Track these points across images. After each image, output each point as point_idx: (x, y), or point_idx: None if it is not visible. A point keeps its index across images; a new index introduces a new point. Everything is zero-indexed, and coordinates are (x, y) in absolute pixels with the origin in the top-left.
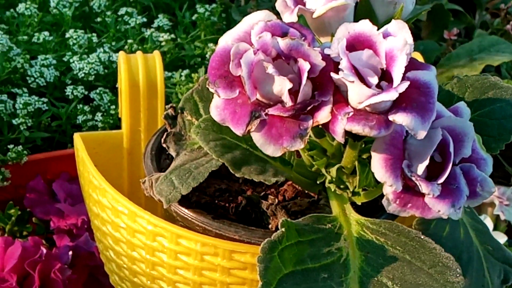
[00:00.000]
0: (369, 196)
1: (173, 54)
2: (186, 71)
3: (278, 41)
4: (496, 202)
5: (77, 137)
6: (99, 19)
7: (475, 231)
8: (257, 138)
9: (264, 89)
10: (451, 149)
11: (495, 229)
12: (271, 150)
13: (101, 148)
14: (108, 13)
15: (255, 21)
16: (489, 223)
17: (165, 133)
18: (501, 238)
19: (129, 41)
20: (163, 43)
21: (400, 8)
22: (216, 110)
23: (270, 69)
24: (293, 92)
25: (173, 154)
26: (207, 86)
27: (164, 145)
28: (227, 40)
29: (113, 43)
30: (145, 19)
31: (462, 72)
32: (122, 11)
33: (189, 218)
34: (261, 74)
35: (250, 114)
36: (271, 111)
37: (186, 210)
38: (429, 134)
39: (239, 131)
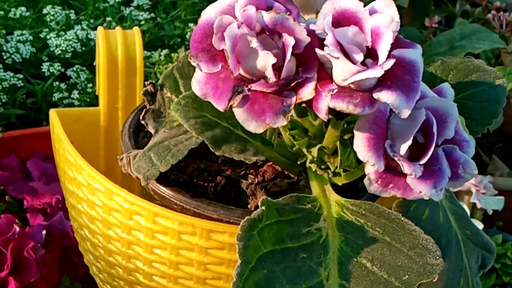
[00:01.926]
0: (350, 177)
1: (153, 34)
2: (165, 51)
3: (262, 15)
4: (473, 190)
5: (53, 113)
6: None
7: (454, 215)
8: (239, 113)
9: (247, 64)
10: (435, 130)
11: (471, 217)
12: (253, 126)
13: (78, 125)
14: None
15: None
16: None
17: (144, 110)
18: (477, 225)
19: (108, 19)
20: (142, 22)
21: None
22: (198, 84)
23: (254, 43)
24: (277, 68)
25: (152, 131)
26: (188, 59)
27: (142, 122)
28: (210, 12)
29: (91, 21)
30: None
31: None
32: None
33: (167, 197)
34: (244, 48)
35: (233, 89)
36: (254, 86)
37: (164, 188)
38: (413, 114)
39: (221, 106)
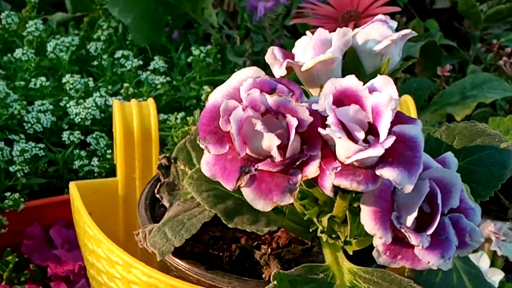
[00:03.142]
0: (361, 245)
1: (169, 96)
2: (181, 114)
3: (266, 98)
4: (492, 238)
5: (72, 186)
6: (95, 63)
7: (468, 275)
8: (247, 193)
9: (253, 145)
10: (439, 201)
11: (492, 265)
12: (261, 205)
13: (97, 196)
14: (105, 56)
15: (244, 77)
16: (486, 259)
17: (159, 183)
18: (498, 274)
19: (125, 84)
20: (158, 86)
21: (386, 60)
22: (207, 165)
23: (259, 126)
24: (282, 147)
25: (167, 204)
26: (197, 141)
27: (157, 196)
28: (216, 96)
29: (110, 87)
30: (141, 62)
31: (455, 110)
32: (119, 54)
33: (183, 269)
34: (250, 130)
35: (240, 169)
36: (260, 166)
37: (179, 261)
38: (417, 185)
39: (229, 186)
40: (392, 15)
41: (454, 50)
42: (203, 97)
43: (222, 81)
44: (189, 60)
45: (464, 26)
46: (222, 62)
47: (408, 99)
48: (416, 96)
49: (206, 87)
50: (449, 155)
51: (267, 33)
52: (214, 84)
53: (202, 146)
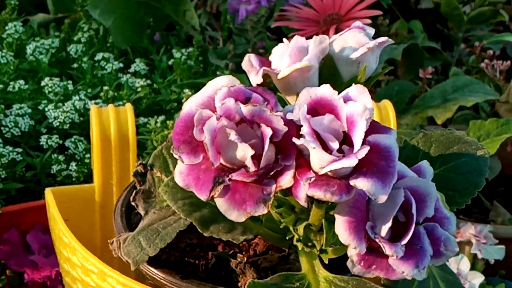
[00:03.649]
0: (337, 253)
1: (150, 99)
2: (162, 117)
3: (241, 107)
4: (473, 241)
5: (48, 192)
6: (75, 65)
7: (445, 282)
8: (221, 203)
9: (227, 155)
10: (414, 210)
11: (472, 268)
12: (235, 215)
13: (73, 202)
14: (85, 58)
15: (219, 86)
16: (466, 262)
17: (135, 191)
18: (478, 277)
19: (105, 87)
20: (139, 89)
21: (363, 68)
22: (180, 175)
23: (233, 136)
24: (257, 156)
25: (142, 212)
26: (171, 151)
27: (133, 203)
28: (191, 105)
29: (89, 90)
30: (121, 64)
31: (436, 113)
32: (99, 56)
33: (158, 278)
34: (224, 140)
35: (214, 179)
36: (234, 176)
37: (155, 270)
38: (392, 195)
39: (202, 196)
40: (375, 17)
41: (437, 52)
42: (183, 100)
43: (204, 84)
44: (170, 62)
45: (448, 27)
46: (204, 65)
47: (387, 104)
48: (398, 99)
49: (187, 90)
50: (425, 164)
51: (249, 36)
52: (196, 87)
53: (175, 156)
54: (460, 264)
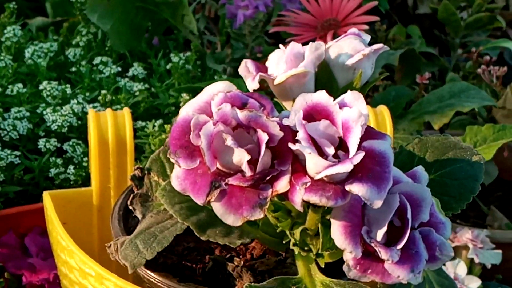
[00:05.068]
0: (333, 257)
1: (147, 103)
2: (159, 121)
3: (237, 112)
4: (470, 246)
5: (46, 195)
6: (74, 69)
7: (440, 286)
8: (217, 208)
9: (224, 159)
10: (409, 215)
11: (469, 272)
12: (231, 220)
13: (71, 206)
14: (83, 62)
15: (215, 91)
16: (463, 267)
17: (132, 195)
18: (475, 282)
19: (103, 91)
20: (137, 93)
21: (359, 74)
22: (177, 180)
23: (229, 141)
24: (253, 161)
25: (139, 216)
26: (168, 156)
27: (130, 207)
28: (187, 110)
29: (87, 94)
30: (119, 68)
31: (433, 118)
32: (97, 60)
33: (155, 282)
34: (220, 144)
35: (210, 184)
36: (231, 181)
37: (152, 273)
38: (387, 200)
39: (199, 201)
40: (372, 23)
41: (434, 58)
42: (181, 104)
43: (201, 88)
44: (168, 66)
45: (446, 33)
46: (202, 69)
47: (384, 109)
48: (395, 104)
49: (185, 94)
50: (420, 169)
51: (247, 40)
52: (193, 91)
53: (172, 161)
54: (457, 269)
